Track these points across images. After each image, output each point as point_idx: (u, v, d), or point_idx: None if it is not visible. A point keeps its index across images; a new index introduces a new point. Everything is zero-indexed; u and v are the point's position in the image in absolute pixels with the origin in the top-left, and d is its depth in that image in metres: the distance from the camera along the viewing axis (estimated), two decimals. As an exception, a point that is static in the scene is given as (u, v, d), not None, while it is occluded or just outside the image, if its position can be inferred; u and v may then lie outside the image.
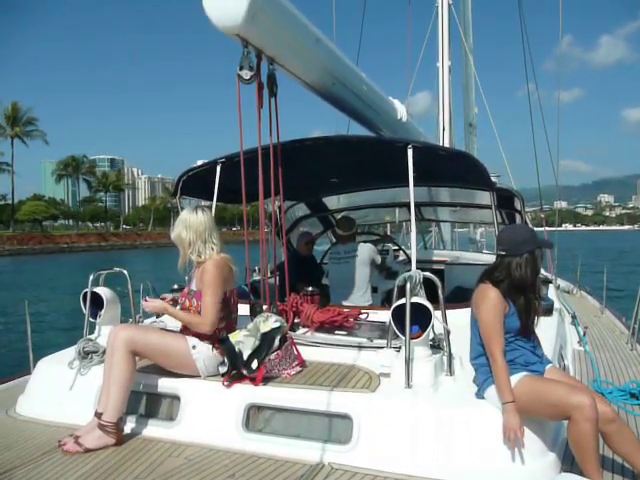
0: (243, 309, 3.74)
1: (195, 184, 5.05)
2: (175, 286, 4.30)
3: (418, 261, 3.95)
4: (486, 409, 2.78)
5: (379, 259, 5.79)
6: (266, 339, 3.32)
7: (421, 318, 3.10)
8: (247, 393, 3.16)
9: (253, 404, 3.13)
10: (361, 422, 2.88)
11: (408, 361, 3.01)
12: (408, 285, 3.12)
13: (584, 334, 5.71)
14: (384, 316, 3.84)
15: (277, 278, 4.25)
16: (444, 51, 10.99)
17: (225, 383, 3.21)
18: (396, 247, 7.96)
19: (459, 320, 3.28)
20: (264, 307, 3.82)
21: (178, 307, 3.51)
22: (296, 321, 4.12)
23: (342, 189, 6.89)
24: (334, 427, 2.96)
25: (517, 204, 5.86)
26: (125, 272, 4.13)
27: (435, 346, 3.28)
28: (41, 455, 2.99)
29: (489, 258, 6.53)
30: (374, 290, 6.19)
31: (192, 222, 3.43)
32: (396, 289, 3.31)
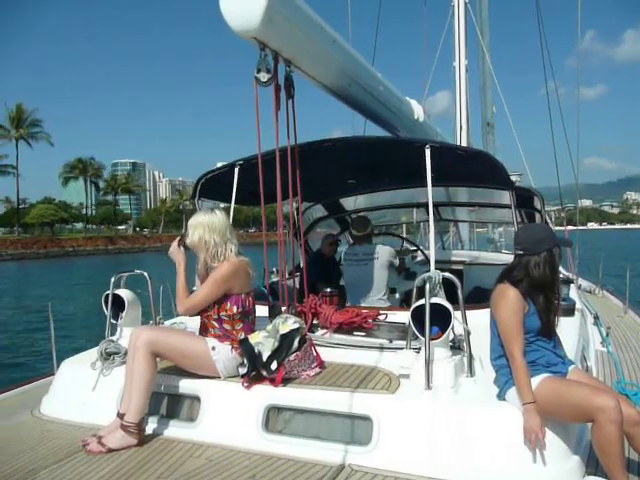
0: (262, 310, 3.76)
1: (214, 186, 5.09)
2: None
3: (436, 261, 3.93)
4: (507, 411, 2.75)
5: (397, 262, 5.75)
6: (285, 340, 3.33)
7: (441, 319, 3.09)
8: (267, 394, 3.17)
9: (273, 405, 3.14)
10: (381, 423, 2.87)
11: (428, 362, 3.00)
12: (427, 286, 3.11)
13: (607, 334, 5.63)
14: (403, 317, 3.83)
15: (296, 279, 4.25)
16: (461, 50, 10.92)
17: (245, 384, 3.23)
18: (414, 247, 7.93)
19: (479, 321, 3.25)
20: (283, 308, 3.83)
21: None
22: (315, 322, 4.13)
23: (359, 190, 6.88)
24: (354, 428, 2.95)
25: (537, 203, 5.80)
26: (145, 274, 4.18)
27: (455, 347, 3.25)
28: (65, 455, 3.03)
29: (508, 258, 6.47)
30: (392, 291, 6.17)
31: (215, 223, 3.40)
32: (415, 290, 3.30)
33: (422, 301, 3.08)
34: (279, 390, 3.18)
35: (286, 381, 3.25)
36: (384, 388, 3.07)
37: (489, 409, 2.82)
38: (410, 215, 9.38)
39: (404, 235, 9.38)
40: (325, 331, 4.06)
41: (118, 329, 4.02)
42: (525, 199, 5.68)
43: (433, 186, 3.98)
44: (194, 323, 3.64)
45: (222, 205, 5.21)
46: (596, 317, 6.17)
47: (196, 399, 3.31)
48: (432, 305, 3.03)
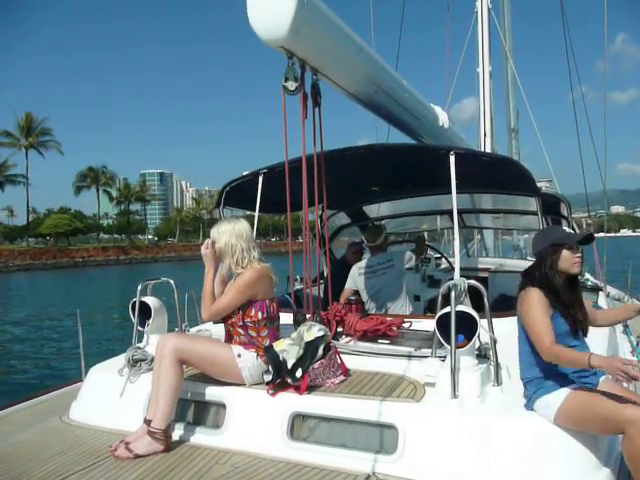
0: (286, 318, 3.77)
1: (238, 195, 5.13)
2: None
3: (461, 269, 3.90)
4: (535, 421, 2.71)
5: (413, 262, 5.68)
6: (310, 348, 3.33)
7: (466, 327, 3.06)
8: (292, 402, 3.17)
9: (298, 413, 3.14)
10: (406, 432, 2.85)
11: (454, 371, 2.97)
12: (453, 293, 3.09)
13: (637, 343, 5.52)
14: (428, 325, 3.81)
15: (321, 287, 4.26)
16: (484, 56, 10.87)
17: (270, 391, 3.24)
18: (438, 255, 7.88)
19: (504, 329, 3.22)
20: (307, 316, 3.84)
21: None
22: (339, 330, 4.12)
23: (383, 197, 6.87)
24: (379, 437, 2.93)
25: (563, 209, 5.73)
26: (171, 282, 4.22)
27: (481, 355, 3.22)
28: (94, 460, 3.07)
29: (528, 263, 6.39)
30: (417, 298, 6.13)
31: (241, 230, 3.49)
32: (440, 297, 3.28)
33: (448, 309, 3.06)
34: (304, 398, 3.18)
35: (311, 389, 3.24)
36: (409, 396, 3.05)
37: (516, 419, 2.78)
38: (434, 222, 9.33)
39: (428, 242, 9.31)
40: (349, 339, 4.05)
41: (145, 336, 4.07)
42: (551, 205, 5.61)
43: (458, 193, 3.96)
44: (219, 330, 3.66)
45: (241, 213, 5.25)
46: (626, 326, 6.05)
47: (222, 406, 3.32)
48: (458, 313, 3.01)
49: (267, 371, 3.33)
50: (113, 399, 3.63)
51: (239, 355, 3.34)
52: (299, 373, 3.24)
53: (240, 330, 3.42)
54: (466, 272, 5.11)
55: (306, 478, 2.78)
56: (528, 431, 2.70)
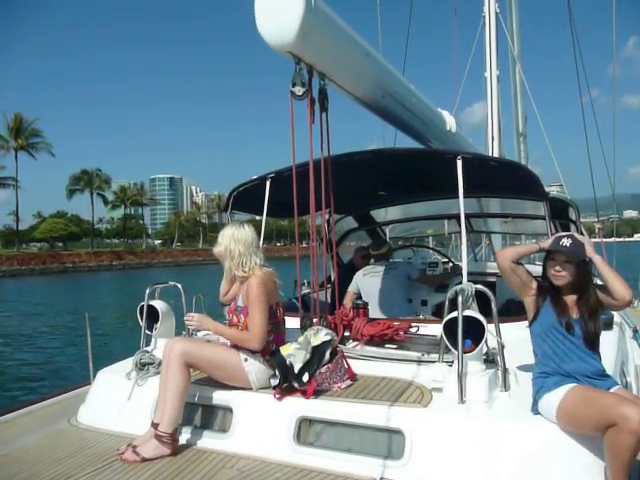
0: (293, 322, 3.77)
1: (245, 199, 5.15)
2: None
3: (469, 273, 3.89)
4: (542, 426, 2.70)
5: (415, 275, 5.77)
6: (317, 352, 3.33)
7: (474, 332, 3.05)
8: (298, 406, 3.17)
9: (304, 417, 3.13)
10: (413, 437, 2.84)
11: (461, 376, 2.96)
12: (460, 298, 3.08)
13: None
14: (434, 329, 3.79)
15: (328, 291, 4.26)
16: (492, 60, 10.83)
17: (276, 396, 3.24)
18: (445, 259, 7.86)
19: (512, 334, 3.21)
20: (314, 320, 3.84)
21: (226, 323, 3.58)
22: (346, 334, 4.11)
23: (390, 202, 6.87)
24: (386, 442, 2.93)
25: (572, 214, 5.70)
26: (179, 286, 4.24)
27: (489, 360, 3.21)
28: (102, 463, 3.08)
29: (541, 269, 6.36)
30: (424, 303, 6.13)
31: (241, 235, 3.53)
32: (447, 302, 3.27)
33: (455, 314, 3.05)
34: (311, 402, 3.18)
35: (318, 393, 3.24)
36: (416, 402, 3.04)
37: (523, 424, 2.76)
38: (441, 227, 9.31)
39: (432, 246, 9.31)
40: (356, 343, 4.04)
41: (152, 340, 4.08)
42: (560, 210, 5.59)
43: (465, 197, 3.95)
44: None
45: (246, 218, 5.28)
46: (635, 331, 6.00)
47: (228, 410, 3.33)
48: (465, 318, 3.00)
49: (274, 375, 3.33)
50: (121, 402, 3.64)
51: (246, 359, 3.35)
52: (306, 377, 3.23)
53: None
54: (474, 277, 5.10)
55: None
56: (535, 437, 2.69)
